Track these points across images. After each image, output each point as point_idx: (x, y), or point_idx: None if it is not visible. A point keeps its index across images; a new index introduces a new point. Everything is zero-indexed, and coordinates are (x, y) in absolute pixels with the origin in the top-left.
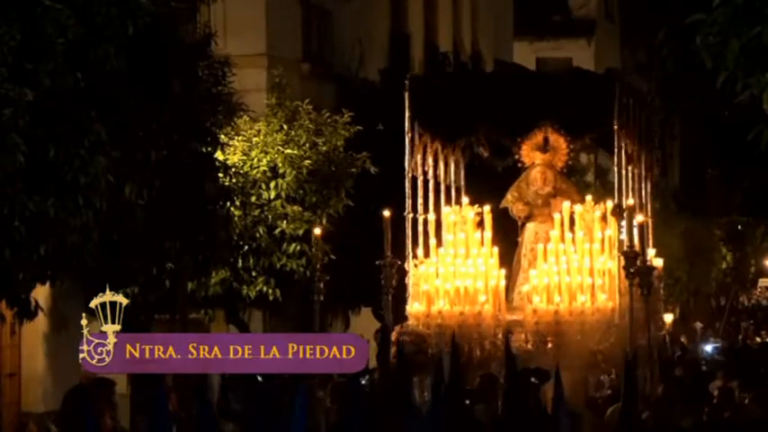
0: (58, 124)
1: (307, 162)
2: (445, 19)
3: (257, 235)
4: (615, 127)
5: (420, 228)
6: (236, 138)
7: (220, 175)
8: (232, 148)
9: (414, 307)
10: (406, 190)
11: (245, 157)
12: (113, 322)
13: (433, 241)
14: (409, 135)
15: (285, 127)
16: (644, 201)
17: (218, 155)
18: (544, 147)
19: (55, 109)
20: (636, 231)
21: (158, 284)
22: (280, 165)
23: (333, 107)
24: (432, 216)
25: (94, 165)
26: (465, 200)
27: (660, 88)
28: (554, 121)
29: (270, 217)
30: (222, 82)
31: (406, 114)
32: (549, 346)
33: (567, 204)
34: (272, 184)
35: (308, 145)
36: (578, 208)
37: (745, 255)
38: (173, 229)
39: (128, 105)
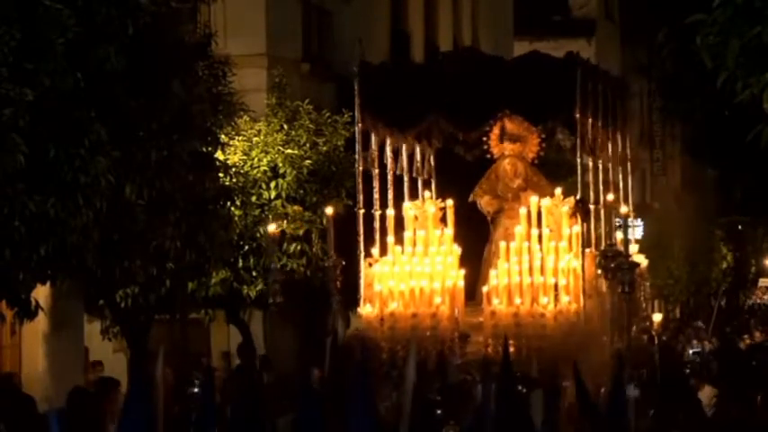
0: (59, 124)
1: (307, 162)
2: (445, 18)
3: (257, 235)
4: (577, 114)
5: (378, 224)
6: (237, 138)
7: (221, 174)
8: (232, 148)
9: (365, 309)
10: (357, 184)
11: (245, 157)
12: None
13: (392, 239)
14: (360, 125)
15: (285, 127)
16: (623, 194)
17: (219, 155)
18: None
19: (55, 109)
20: (599, 225)
21: (158, 284)
22: (280, 165)
23: (333, 107)
24: (391, 212)
25: (95, 165)
26: (427, 194)
27: (660, 88)
28: (515, 110)
29: (270, 217)
30: (222, 82)
31: (356, 102)
32: (512, 350)
33: (534, 198)
34: (273, 184)
35: (308, 145)
36: (546, 202)
37: (745, 254)
38: (173, 229)
39: (128, 105)
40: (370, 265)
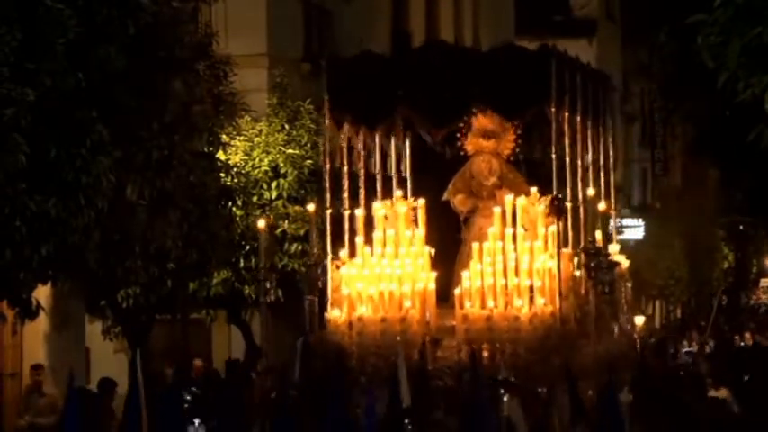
0: (60, 124)
1: (308, 162)
2: (447, 18)
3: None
4: (552, 108)
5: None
6: (238, 138)
7: (222, 174)
8: (234, 148)
9: (333, 313)
10: (325, 182)
11: (246, 157)
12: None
13: (361, 240)
14: (328, 121)
15: (287, 127)
16: (604, 191)
17: (220, 155)
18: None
19: (56, 109)
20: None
21: (160, 285)
22: (281, 165)
23: None
24: (360, 211)
25: (96, 165)
26: (398, 193)
27: (661, 88)
28: (487, 104)
29: (271, 217)
30: (223, 82)
31: (325, 98)
32: (486, 354)
33: (509, 197)
34: (274, 184)
35: (309, 145)
36: (521, 201)
37: (746, 254)
38: (174, 229)
39: (129, 105)
40: (338, 267)
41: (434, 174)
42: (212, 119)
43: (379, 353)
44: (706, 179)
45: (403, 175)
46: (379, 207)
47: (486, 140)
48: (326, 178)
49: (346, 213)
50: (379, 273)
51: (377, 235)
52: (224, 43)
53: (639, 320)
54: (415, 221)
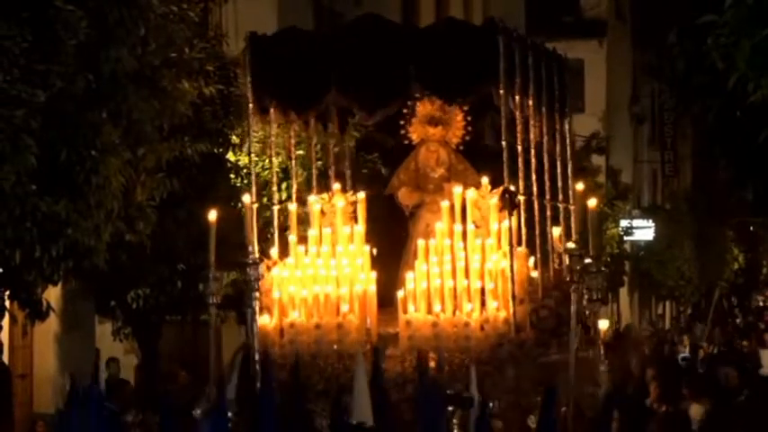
0: (70, 126)
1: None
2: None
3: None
4: (501, 91)
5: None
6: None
7: (232, 175)
8: (243, 150)
9: (262, 319)
10: (252, 175)
11: (256, 159)
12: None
13: (294, 238)
14: (252, 106)
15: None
16: (562, 183)
17: (230, 156)
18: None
19: (67, 110)
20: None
21: (169, 286)
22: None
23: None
24: (293, 206)
25: (106, 166)
26: (336, 186)
27: (671, 89)
28: (426, 86)
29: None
30: (233, 83)
31: (248, 80)
32: (432, 364)
33: (458, 189)
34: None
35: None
36: (471, 194)
37: (757, 255)
38: (184, 230)
39: (139, 107)
40: (269, 268)
41: (376, 164)
42: (222, 120)
43: (313, 363)
44: (716, 180)
45: (343, 168)
46: (314, 201)
47: (432, 128)
48: (254, 171)
49: (275, 208)
50: (313, 274)
51: (312, 233)
52: (234, 44)
53: (603, 325)
54: (355, 217)
